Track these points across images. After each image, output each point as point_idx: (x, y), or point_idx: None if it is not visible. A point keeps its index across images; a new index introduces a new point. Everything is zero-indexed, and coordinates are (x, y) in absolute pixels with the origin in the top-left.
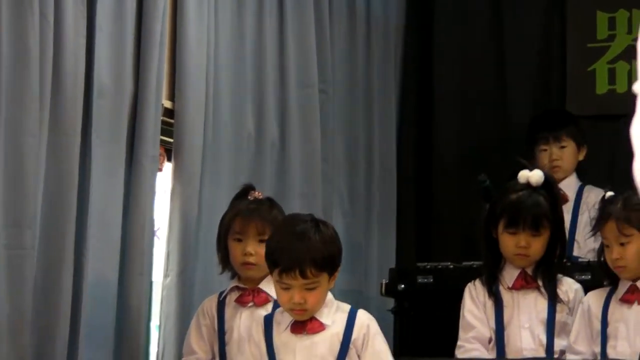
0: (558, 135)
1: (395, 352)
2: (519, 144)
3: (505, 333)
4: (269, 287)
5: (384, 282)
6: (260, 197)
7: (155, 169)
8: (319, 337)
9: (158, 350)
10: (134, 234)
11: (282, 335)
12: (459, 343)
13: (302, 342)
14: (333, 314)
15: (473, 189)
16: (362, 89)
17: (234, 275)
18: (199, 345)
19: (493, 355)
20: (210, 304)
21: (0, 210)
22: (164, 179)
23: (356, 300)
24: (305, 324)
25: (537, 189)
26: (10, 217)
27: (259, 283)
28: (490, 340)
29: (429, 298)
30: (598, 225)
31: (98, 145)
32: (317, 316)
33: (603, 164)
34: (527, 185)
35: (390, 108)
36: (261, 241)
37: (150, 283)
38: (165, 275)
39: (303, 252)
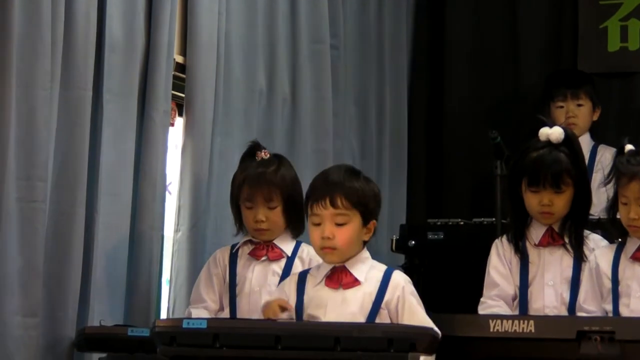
0: (576, 92)
1: None
2: (530, 100)
3: (529, 290)
4: (282, 243)
5: (394, 238)
6: (267, 156)
7: (166, 123)
8: (351, 294)
9: (169, 304)
10: (145, 189)
11: (316, 289)
12: (482, 299)
13: (335, 298)
14: (367, 271)
15: (484, 146)
16: (374, 45)
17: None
18: (208, 294)
19: (516, 312)
20: (222, 254)
21: (12, 163)
22: (176, 133)
23: None
24: (340, 279)
25: (558, 146)
26: (22, 170)
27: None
28: (514, 298)
29: (439, 254)
30: (618, 182)
31: (109, 100)
32: (352, 270)
33: (613, 121)
34: (548, 142)
35: (401, 64)
36: (270, 208)
37: (162, 237)
38: (176, 230)
39: (334, 182)
